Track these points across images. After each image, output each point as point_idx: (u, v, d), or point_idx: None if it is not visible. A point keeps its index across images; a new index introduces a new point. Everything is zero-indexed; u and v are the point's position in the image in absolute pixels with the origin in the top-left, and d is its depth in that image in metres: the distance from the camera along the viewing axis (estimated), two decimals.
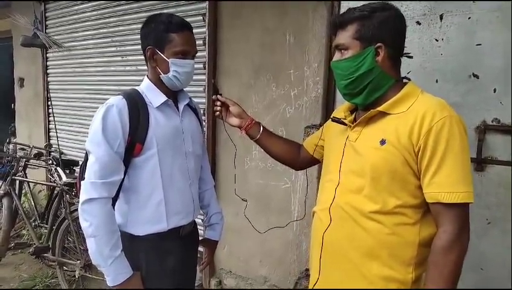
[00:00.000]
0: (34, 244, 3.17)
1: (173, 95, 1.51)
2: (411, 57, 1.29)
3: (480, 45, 1.83)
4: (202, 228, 2.46)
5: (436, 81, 1.94)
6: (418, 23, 1.97)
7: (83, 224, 1.29)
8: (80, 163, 1.55)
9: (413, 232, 1.13)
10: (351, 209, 1.19)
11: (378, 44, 1.15)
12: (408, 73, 1.26)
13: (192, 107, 1.62)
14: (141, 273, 1.41)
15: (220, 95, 1.59)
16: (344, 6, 2.20)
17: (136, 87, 1.47)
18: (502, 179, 1.83)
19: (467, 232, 1.09)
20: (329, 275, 1.26)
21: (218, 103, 1.59)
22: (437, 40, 1.93)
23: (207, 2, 2.75)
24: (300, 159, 1.63)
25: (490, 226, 1.87)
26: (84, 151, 1.40)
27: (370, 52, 1.15)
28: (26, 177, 3.50)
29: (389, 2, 1.22)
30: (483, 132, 1.84)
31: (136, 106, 1.38)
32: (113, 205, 1.38)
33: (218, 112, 1.60)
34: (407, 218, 1.13)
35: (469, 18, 1.84)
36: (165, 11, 3.01)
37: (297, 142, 1.69)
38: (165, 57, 1.39)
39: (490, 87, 1.82)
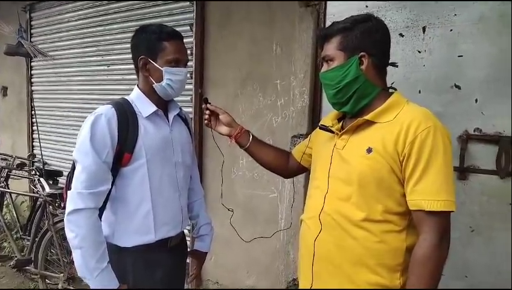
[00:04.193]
0: (16, 256, 3.10)
1: (163, 105, 1.51)
2: (397, 66, 1.32)
3: (461, 56, 1.88)
4: (189, 239, 2.44)
5: (419, 91, 1.98)
6: (401, 35, 2.02)
7: (69, 235, 1.27)
8: (66, 173, 1.53)
9: (400, 239, 1.15)
10: (339, 217, 1.20)
11: (362, 53, 1.18)
12: (392, 84, 1.29)
13: (182, 117, 1.62)
14: (128, 286, 1.39)
15: (209, 104, 1.59)
16: (329, 18, 2.24)
17: (126, 97, 1.46)
18: (484, 187, 1.87)
19: (447, 241, 1.11)
20: (321, 282, 1.26)
21: (207, 112, 1.59)
22: (420, 52, 1.98)
23: (194, 13, 2.77)
24: (289, 167, 1.64)
25: (474, 234, 1.90)
26: (69, 162, 1.39)
27: (354, 61, 1.18)
28: (8, 188, 3.43)
29: (373, 12, 1.25)
30: (465, 141, 1.88)
31: (125, 115, 1.37)
32: (100, 215, 1.36)
33: (207, 121, 1.60)
34: (394, 225, 1.15)
35: (451, 30, 1.89)
36: (153, 21, 3.02)
37: (286, 150, 1.70)
38: (158, 66, 1.39)
39: (472, 98, 1.87)
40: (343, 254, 1.20)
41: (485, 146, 1.86)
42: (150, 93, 1.45)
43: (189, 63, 2.71)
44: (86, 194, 1.26)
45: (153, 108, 1.44)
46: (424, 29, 1.97)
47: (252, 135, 1.60)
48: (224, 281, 2.87)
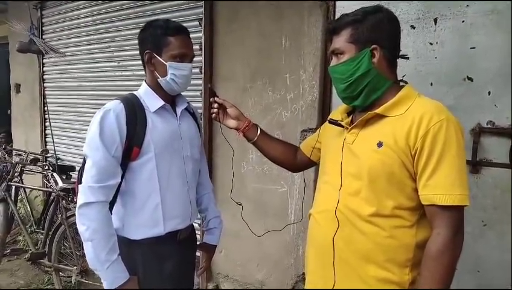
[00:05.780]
0: (30, 250, 3.15)
1: (171, 99, 1.52)
2: (407, 58, 1.30)
3: (474, 48, 1.85)
4: (199, 233, 2.45)
5: (431, 84, 1.95)
6: (413, 27, 1.99)
7: (80, 228, 1.29)
8: (78, 168, 1.55)
9: (410, 235, 1.14)
10: (348, 211, 1.19)
11: (373, 46, 1.16)
12: (403, 76, 1.27)
13: (190, 112, 1.63)
14: (138, 278, 1.41)
15: (217, 97, 1.59)
16: (339, 11, 2.22)
17: (134, 92, 1.48)
18: (497, 181, 1.84)
19: (461, 235, 1.09)
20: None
21: (216, 105, 1.59)
22: (431, 44, 1.95)
23: (203, 8, 2.76)
24: (297, 161, 1.63)
25: (486, 228, 1.88)
26: (81, 157, 1.41)
27: (366, 54, 1.16)
28: (22, 183, 3.49)
29: (384, 4, 1.23)
30: (478, 135, 1.85)
31: (134, 110, 1.38)
32: (111, 209, 1.38)
33: (215, 114, 1.60)
34: (404, 220, 1.14)
35: (463, 21, 1.86)
36: (162, 16, 3.02)
37: (294, 145, 1.69)
38: (162, 61, 1.40)
39: (484, 90, 1.84)
40: (351, 248, 1.19)
41: (498, 139, 1.83)
42: (157, 88, 1.46)
43: (199, 58, 2.73)
44: (97, 188, 1.28)
45: (160, 102, 1.45)
46: (435, 20, 1.94)
47: (260, 129, 1.59)
48: (235, 275, 2.89)
